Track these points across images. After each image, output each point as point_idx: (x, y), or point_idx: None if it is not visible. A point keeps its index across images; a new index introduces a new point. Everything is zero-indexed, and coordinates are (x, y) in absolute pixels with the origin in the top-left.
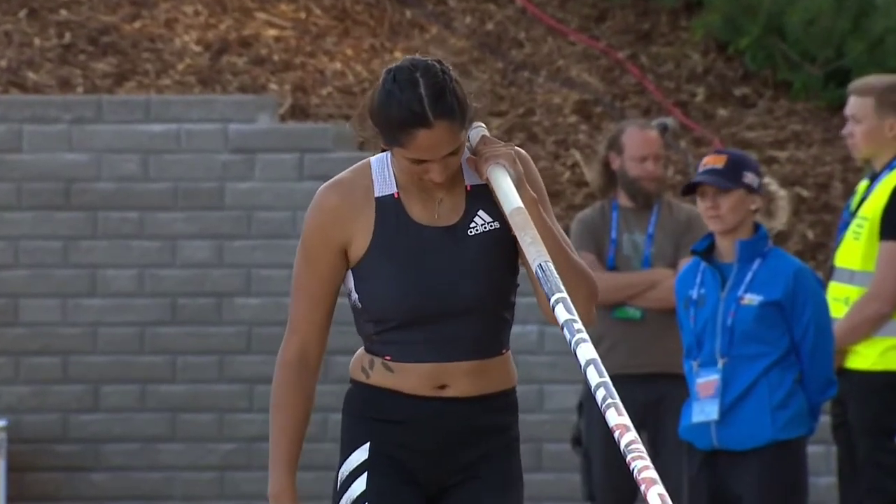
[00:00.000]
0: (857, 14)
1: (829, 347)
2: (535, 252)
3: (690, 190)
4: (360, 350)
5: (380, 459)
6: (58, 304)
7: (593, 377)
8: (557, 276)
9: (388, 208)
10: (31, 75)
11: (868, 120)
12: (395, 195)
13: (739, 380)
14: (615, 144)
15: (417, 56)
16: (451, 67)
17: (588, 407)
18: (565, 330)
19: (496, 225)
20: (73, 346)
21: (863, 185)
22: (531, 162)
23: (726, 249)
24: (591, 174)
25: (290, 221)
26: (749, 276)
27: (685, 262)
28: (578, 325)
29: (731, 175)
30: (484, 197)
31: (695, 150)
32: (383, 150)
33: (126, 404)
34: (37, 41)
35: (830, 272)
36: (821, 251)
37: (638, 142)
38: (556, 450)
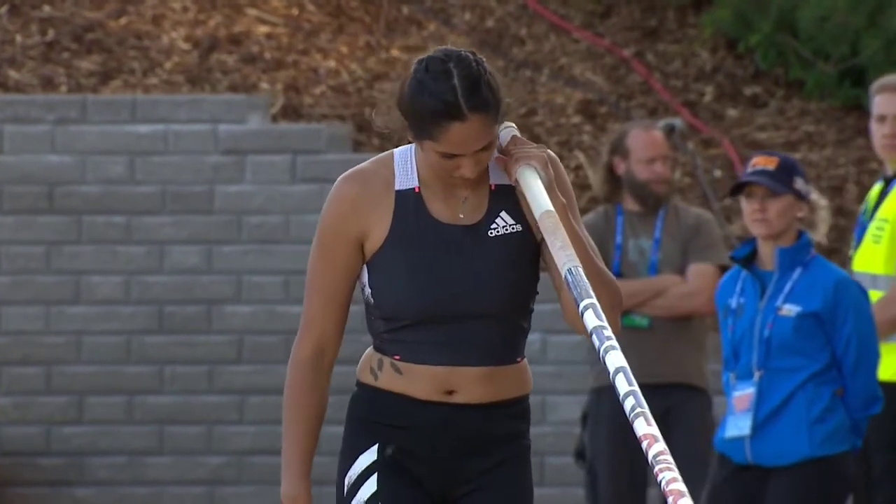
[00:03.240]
0: (873, 10)
1: (873, 361)
2: (564, 257)
3: (738, 190)
4: (369, 350)
5: (389, 461)
6: (41, 311)
7: (622, 385)
8: (587, 282)
9: (408, 202)
10: (12, 74)
11: None
12: (416, 189)
13: (775, 393)
14: (619, 148)
15: (450, 47)
16: (484, 59)
17: (592, 419)
18: (594, 336)
19: (518, 228)
20: (56, 355)
21: (875, 189)
22: (562, 167)
23: (768, 256)
24: (594, 180)
25: (283, 226)
26: (788, 285)
27: (697, 268)
28: (608, 331)
29: (783, 178)
30: (508, 198)
31: (703, 152)
32: (397, 146)
33: (112, 416)
34: (19, 38)
35: None
36: (835, 257)
37: (644, 143)
38: (559, 463)
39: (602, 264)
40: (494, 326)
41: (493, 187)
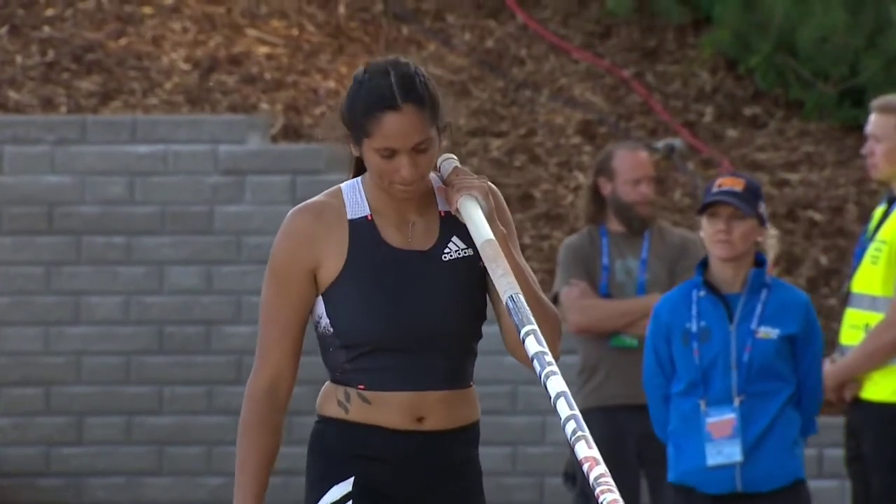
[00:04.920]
0: (872, 31)
1: (821, 385)
2: (505, 284)
3: (703, 209)
4: (328, 384)
5: (364, 492)
6: (40, 332)
7: (564, 410)
8: (528, 308)
9: (362, 230)
10: (12, 94)
11: (889, 139)
12: (369, 217)
13: (759, 418)
14: (605, 169)
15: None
16: (424, 71)
17: None
18: (535, 362)
19: (469, 252)
20: (55, 376)
21: (879, 210)
22: (501, 197)
23: (726, 278)
24: (579, 201)
25: None
26: (759, 307)
27: None
28: (549, 357)
29: (749, 200)
30: (458, 223)
31: (703, 172)
32: (354, 176)
33: (111, 437)
34: (19, 59)
35: (846, 298)
36: (834, 277)
37: (630, 165)
38: (558, 483)
39: (541, 292)
40: (452, 349)
41: (441, 213)
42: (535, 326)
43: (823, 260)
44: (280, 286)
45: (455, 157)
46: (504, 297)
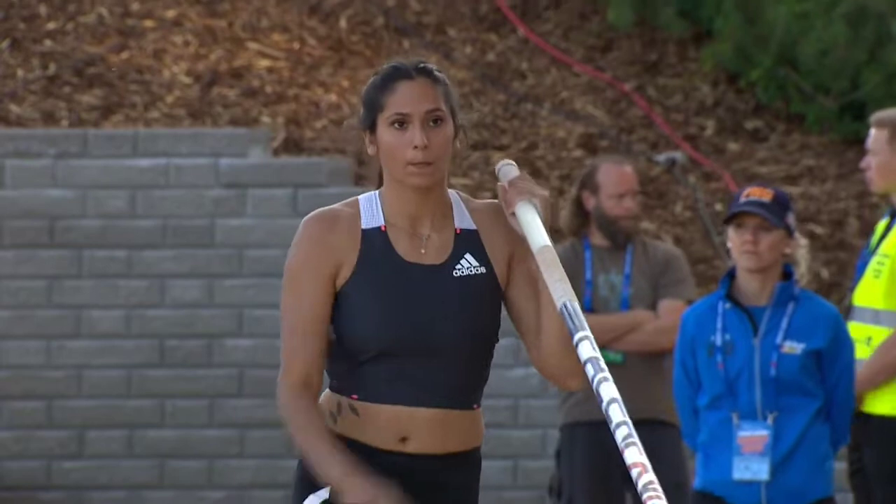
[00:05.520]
0: (873, 44)
1: (853, 397)
2: (561, 290)
3: (731, 219)
4: (326, 393)
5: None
6: (42, 346)
7: (616, 415)
8: (582, 315)
9: (375, 240)
10: (13, 108)
11: (882, 153)
12: (382, 228)
13: (787, 434)
14: (589, 183)
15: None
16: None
17: (568, 456)
18: (589, 365)
19: (482, 270)
20: (57, 389)
21: (881, 224)
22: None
23: (753, 290)
24: (562, 214)
25: (284, 260)
26: (785, 321)
27: (669, 304)
28: (602, 363)
29: (777, 211)
30: (473, 242)
31: (704, 186)
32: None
33: (112, 450)
34: (20, 72)
35: (848, 312)
36: (836, 291)
37: (615, 179)
38: None
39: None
40: (453, 366)
41: (458, 231)
42: (589, 333)
43: (825, 273)
44: (300, 294)
45: (514, 164)
46: (559, 303)
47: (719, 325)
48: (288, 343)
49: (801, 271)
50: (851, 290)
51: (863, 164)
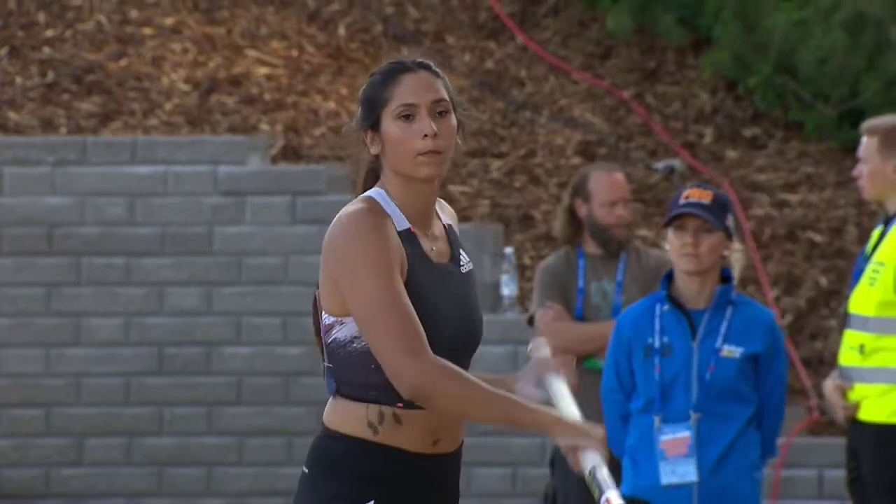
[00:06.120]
0: (872, 52)
1: (784, 405)
2: (591, 458)
3: (670, 222)
4: (357, 405)
5: None
6: (40, 353)
7: None
8: (609, 478)
9: (410, 242)
10: (12, 115)
11: (872, 161)
12: (411, 229)
13: (718, 438)
14: (581, 191)
15: None
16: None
17: (561, 464)
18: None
19: (472, 263)
20: (56, 397)
21: (876, 231)
22: None
23: (692, 293)
24: (555, 222)
25: (282, 267)
26: (724, 325)
27: None
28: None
29: (717, 213)
30: (455, 236)
31: None
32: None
33: (111, 458)
34: (18, 80)
35: (845, 319)
36: (834, 298)
37: (606, 187)
38: None
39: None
40: (469, 360)
41: (445, 226)
42: (617, 491)
43: (823, 281)
44: (389, 274)
45: (546, 343)
46: (587, 469)
47: (657, 326)
48: (396, 325)
49: (737, 273)
50: (847, 297)
51: (855, 172)
